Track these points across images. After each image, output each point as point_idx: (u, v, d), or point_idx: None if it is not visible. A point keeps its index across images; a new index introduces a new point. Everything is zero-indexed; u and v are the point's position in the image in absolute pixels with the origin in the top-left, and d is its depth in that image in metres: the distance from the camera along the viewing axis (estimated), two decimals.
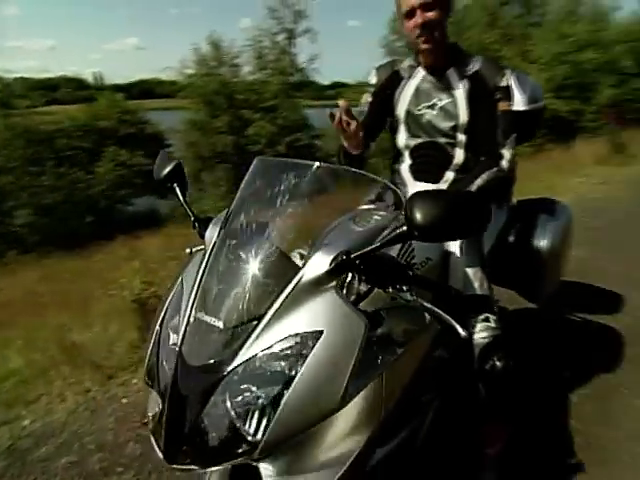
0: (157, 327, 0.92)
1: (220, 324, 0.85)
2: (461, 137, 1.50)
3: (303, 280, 0.85)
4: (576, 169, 8.68)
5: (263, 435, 0.77)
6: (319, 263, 0.87)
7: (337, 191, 1.07)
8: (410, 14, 1.39)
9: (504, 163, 1.42)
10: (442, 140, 1.52)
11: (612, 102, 12.91)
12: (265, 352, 0.81)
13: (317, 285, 0.86)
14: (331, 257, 0.87)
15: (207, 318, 0.86)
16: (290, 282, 0.85)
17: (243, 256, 0.91)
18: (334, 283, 0.86)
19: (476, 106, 1.45)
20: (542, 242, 1.75)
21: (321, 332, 0.81)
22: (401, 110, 1.57)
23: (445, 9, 1.41)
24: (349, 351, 0.80)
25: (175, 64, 14.96)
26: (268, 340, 0.82)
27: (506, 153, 1.42)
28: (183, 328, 0.87)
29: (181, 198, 1.17)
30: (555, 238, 1.77)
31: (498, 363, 1.29)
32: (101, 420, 2.23)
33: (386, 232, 0.90)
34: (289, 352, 0.80)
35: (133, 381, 2.59)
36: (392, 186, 1.14)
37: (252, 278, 0.88)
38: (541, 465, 1.76)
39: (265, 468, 0.82)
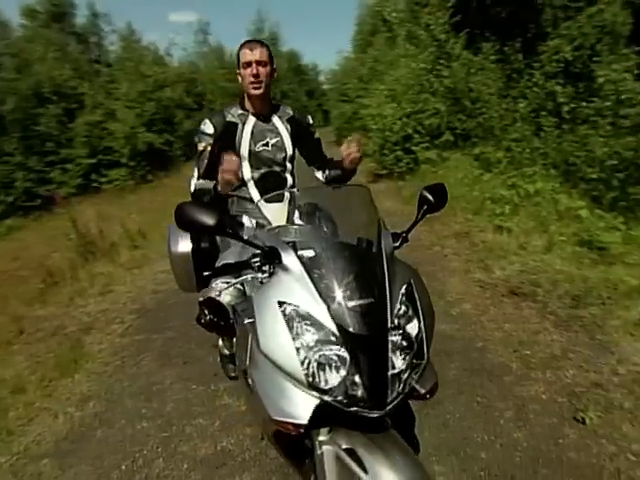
0: (289, 345, 1.12)
1: (371, 300, 1.16)
2: (289, 165, 2.10)
3: (387, 257, 1.28)
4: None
5: (425, 362, 1.20)
6: (390, 243, 1.34)
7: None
8: (247, 65, 1.90)
9: None
10: (277, 169, 2.06)
11: None
12: (400, 307, 1.20)
13: (392, 256, 1.31)
14: (391, 238, 1.36)
15: (360, 302, 1.15)
16: (382, 261, 1.25)
17: (336, 257, 1.22)
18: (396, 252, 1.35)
19: (297, 141, 2.08)
20: None
21: (410, 282, 1.28)
22: (244, 150, 1.99)
23: (272, 67, 1.96)
24: (424, 287, 1.34)
25: None
26: (395, 297, 1.20)
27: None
28: (331, 320, 1.13)
29: (242, 237, 1.29)
30: None
31: None
32: None
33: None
34: (410, 301, 1.23)
35: None
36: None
37: (360, 266, 1.22)
38: None
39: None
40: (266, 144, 2.03)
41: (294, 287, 1.19)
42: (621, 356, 2.48)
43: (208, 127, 1.99)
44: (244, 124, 2.01)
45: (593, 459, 1.88)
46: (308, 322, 1.14)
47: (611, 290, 3.10)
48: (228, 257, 1.86)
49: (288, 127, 2.07)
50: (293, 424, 1.13)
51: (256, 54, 1.89)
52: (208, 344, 3.11)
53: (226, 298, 1.71)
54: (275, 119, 2.07)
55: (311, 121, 2.17)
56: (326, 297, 1.16)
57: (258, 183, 2.06)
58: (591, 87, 4.64)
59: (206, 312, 1.65)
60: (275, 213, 1.98)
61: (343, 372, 1.11)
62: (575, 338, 2.72)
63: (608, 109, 4.19)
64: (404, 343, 1.18)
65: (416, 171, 7.39)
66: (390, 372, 1.13)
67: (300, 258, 1.23)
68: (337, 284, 1.17)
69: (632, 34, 5.03)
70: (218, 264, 1.90)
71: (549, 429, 2.05)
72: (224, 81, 22.39)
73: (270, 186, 2.05)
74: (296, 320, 1.15)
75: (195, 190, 1.95)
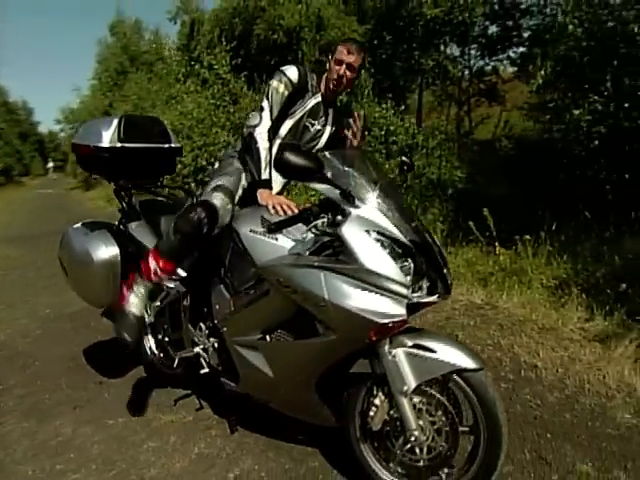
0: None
1: (417, 222, 1.59)
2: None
3: None
4: None
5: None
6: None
7: None
8: (339, 63, 2.01)
9: None
10: (306, 147, 2.18)
11: None
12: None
13: None
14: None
15: (415, 223, 1.57)
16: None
17: (386, 196, 1.57)
18: None
19: (330, 141, 2.23)
20: None
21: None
22: (299, 114, 2.08)
23: (358, 74, 2.13)
24: None
25: None
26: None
27: None
28: (404, 237, 1.50)
29: (331, 180, 1.52)
30: None
31: None
32: None
33: None
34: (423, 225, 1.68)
35: None
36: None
37: (402, 201, 1.68)
38: None
39: None
40: (312, 124, 2.16)
41: (372, 218, 1.51)
42: (452, 299, 3.50)
43: (293, 74, 2.03)
44: (312, 95, 2.11)
45: None
46: (391, 240, 1.49)
47: None
48: (225, 180, 2.00)
49: (334, 127, 2.23)
50: (398, 321, 1.44)
51: (351, 58, 2.01)
52: (89, 383, 2.69)
53: (220, 203, 1.87)
54: (330, 112, 2.20)
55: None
56: (394, 222, 1.52)
57: (281, 145, 2.14)
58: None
59: (199, 210, 1.78)
60: None
61: (421, 273, 1.50)
62: None
63: (382, 137, 5.65)
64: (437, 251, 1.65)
65: None
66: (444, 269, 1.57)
67: (376, 197, 1.56)
68: (396, 213, 1.55)
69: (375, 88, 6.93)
70: (215, 179, 2.03)
71: None
72: None
73: None
74: (383, 241, 1.47)
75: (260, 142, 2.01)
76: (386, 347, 1.54)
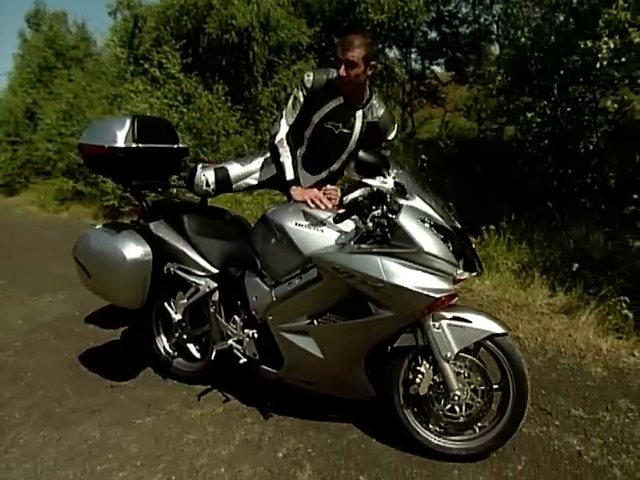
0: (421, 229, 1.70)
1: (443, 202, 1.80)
2: (344, 156, 2.27)
3: None
4: None
5: None
6: None
7: None
8: (339, 62, 2.00)
9: None
10: (331, 151, 2.26)
11: None
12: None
13: None
14: None
15: (452, 212, 1.79)
16: None
17: (424, 188, 1.80)
18: None
19: (362, 141, 2.21)
20: None
21: None
22: (317, 117, 2.14)
23: (365, 67, 2.01)
24: None
25: None
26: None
27: None
28: (445, 223, 1.74)
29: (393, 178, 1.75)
30: None
31: None
32: None
33: None
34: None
35: None
36: None
37: (434, 193, 1.85)
38: None
39: None
40: (336, 127, 2.18)
41: (421, 208, 1.74)
42: None
43: (309, 81, 2.11)
44: (332, 98, 2.13)
45: None
46: (438, 226, 1.73)
47: None
48: (230, 166, 2.35)
49: (364, 128, 2.19)
50: (448, 295, 1.69)
51: (347, 54, 1.97)
52: (99, 389, 2.68)
53: (200, 180, 2.30)
54: (358, 114, 2.18)
55: (391, 135, 2.29)
56: (437, 211, 1.77)
57: (310, 144, 2.26)
58: None
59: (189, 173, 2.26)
60: None
61: (458, 253, 1.76)
62: None
63: None
64: None
65: None
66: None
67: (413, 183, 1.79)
68: (437, 203, 1.80)
69: None
70: (227, 161, 2.42)
71: None
72: None
73: (315, 160, 2.29)
74: (434, 227, 1.71)
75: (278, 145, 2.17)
76: (430, 321, 1.79)
